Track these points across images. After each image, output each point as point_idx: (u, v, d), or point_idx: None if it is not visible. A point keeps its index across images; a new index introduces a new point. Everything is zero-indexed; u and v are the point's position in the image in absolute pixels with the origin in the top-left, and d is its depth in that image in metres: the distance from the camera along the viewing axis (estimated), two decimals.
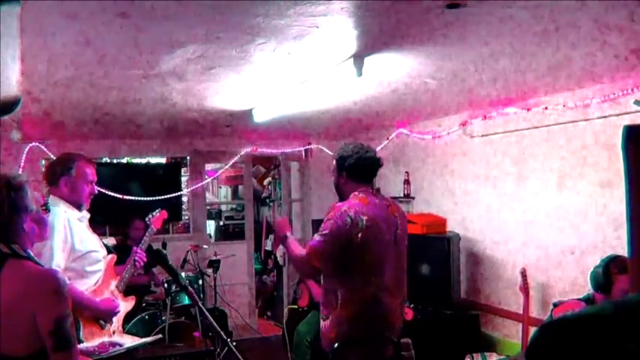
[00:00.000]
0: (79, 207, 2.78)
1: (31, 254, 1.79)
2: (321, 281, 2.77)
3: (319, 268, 2.64)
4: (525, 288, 3.66)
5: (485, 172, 4.41)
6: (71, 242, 2.65)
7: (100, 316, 2.71)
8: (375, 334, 2.62)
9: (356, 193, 2.65)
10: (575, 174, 3.62)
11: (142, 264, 3.07)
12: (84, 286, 2.69)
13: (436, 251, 4.40)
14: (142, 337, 3.02)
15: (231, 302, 5.87)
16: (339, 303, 2.59)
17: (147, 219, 3.36)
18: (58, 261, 2.56)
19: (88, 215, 2.86)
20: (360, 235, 2.51)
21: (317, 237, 2.58)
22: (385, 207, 2.68)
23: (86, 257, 2.72)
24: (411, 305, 4.19)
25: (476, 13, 2.02)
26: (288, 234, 2.80)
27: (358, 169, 2.67)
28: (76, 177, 2.75)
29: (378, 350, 2.65)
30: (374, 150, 2.76)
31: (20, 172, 4.93)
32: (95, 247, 2.81)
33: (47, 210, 1.86)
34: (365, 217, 2.54)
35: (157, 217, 3.36)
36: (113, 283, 2.90)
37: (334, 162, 2.77)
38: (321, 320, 2.71)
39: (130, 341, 2.48)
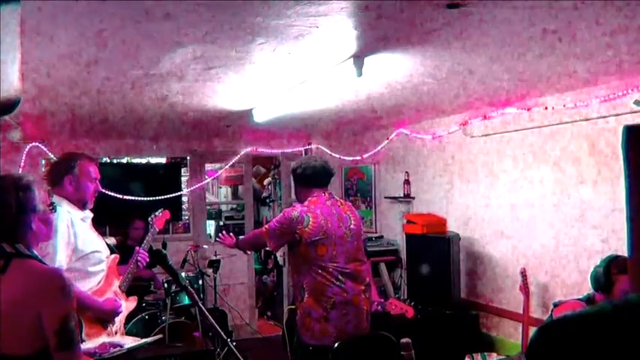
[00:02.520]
0: (83, 206, 2.78)
1: (36, 254, 1.80)
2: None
3: (265, 245, 3.16)
4: (525, 288, 3.66)
5: (485, 172, 4.41)
6: (74, 243, 2.65)
7: (103, 317, 2.70)
8: (347, 319, 2.94)
9: (310, 198, 3.07)
10: (575, 174, 3.62)
11: (145, 264, 3.07)
12: (87, 286, 2.69)
13: (436, 251, 4.41)
14: (142, 337, 3.02)
15: (231, 302, 5.87)
16: (306, 294, 2.95)
17: (149, 219, 3.35)
18: (60, 261, 2.56)
19: (91, 215, 2.86)
20: (307, 229, 2.92)
21: (268, 224, 3.15)
22: (337, 206, 3.10)
23: (89, 257, 2.72)
24: (412, 303, 4.19)
25: (476, 13, 2.02)
26: (234, 241, 3.42)
27: (306, 176, 3.11)
28: (80, 175, 2.75)
29: (379, 350, 2.69)
30: (324, 160, 3.24)
31: (20, 171, 4.93)
32: (98, 247, 2.81)
33: (54, 210, 1.86)
34: (311, 215, 2.96)
35: (160, 217, 3.35)
36: (116, 283, 2.90)
37: (291, 176, 3.30)
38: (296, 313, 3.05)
39: (130, 342, 2.48)
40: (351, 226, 3.07)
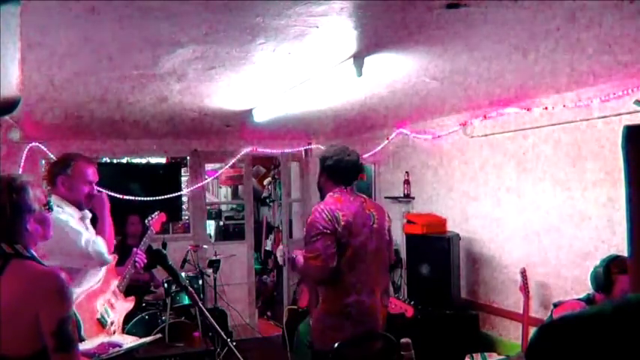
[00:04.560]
0: (79, 206, 2.78)
1: (35, 254, 1.79)
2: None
3: (326, 266, 2.67)
4: (525, 288, 3.66)
5: (485, 172, 4.41)
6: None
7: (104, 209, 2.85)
8: (360, 329, 2.73)
9: (331, 193, 2.82)
10: (575, 174, 3.62)
11: (142, 265, 3.08)
12: (85, 286, 2.69)
13: (436, 251, 4.40)
14: (141, 337, 3.02)
15: (231, 302, 5.87)
16: (320, 300, 2.75)
17: (146, 221, 3.37)
18: (87, 235, 2.61)
19: (89, 215, 2.86)
20: (339, 229, 2.67)
21: (307, 245, 2.71)
22: (360, 204, 2.82)
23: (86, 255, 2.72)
24: (412, 302, 4.20)
25: (476, 13, 2.02)
26: (295, 255, 2.93)
27: (337, 171, 2.84)
28: (73, 177, 2.72)
29: (379, 350, 2.68)
30: (356, 153, 2.89)
31: (20, 172, 4.93)
32: None
33: (50, 209, 1.86)
34: (341, 213, 2.70)
35: (156, 219, 3.37)
36: (114, 283, 2.90)
37: (318, 161, 2.96)
38: (309, 318, 2.88)
39: (129, 341, 2.48)
40: (374, 225, 2.83)
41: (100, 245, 2.64)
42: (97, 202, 2.84)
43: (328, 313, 2.74)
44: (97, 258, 2.60)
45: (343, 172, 2.84)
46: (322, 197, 2.91)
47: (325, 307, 2.75)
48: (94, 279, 2.76)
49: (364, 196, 2.96)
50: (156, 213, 3.41)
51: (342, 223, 2.68)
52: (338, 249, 2.66)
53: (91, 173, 2.80)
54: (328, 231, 2.65)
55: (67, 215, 2.63)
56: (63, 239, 2.44)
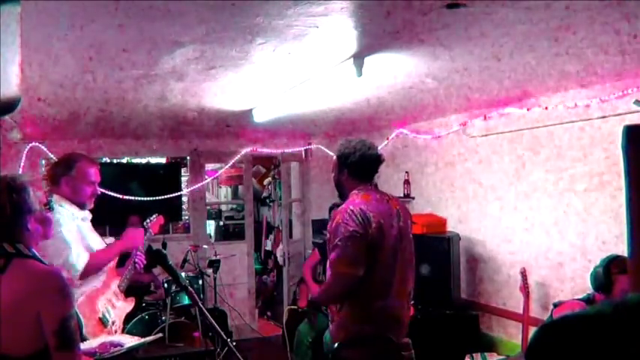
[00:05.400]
0: (81, 206, 2.79)
1: (36, 254, 1.80)
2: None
3: (356, 275, 2.45)
4: (525, 288, 3.66)
5: (485, 172, 4.40)
6: (84, 241, 2.68)
7: (129, 249, 2.88)
8: (380, 334, 2.55)
9: (355, 191, 2.59)
10: (575, 174, 3.62)
11: (142, 266, 3.08)
12: (88, 287, 2.70)
13: (436, 251, 4.40)
14: (142, 337, 3.02)
15: (231, 302, 5.87)
16: (345, 305, 2.54)
17: (144, 223, 3.38)
18: (77, 249, 2.57)
19: (90, 215, 2.87)
20: (371, 232, 2.45)
21: (334, 250, 2.47)
22: (386, 202, 2.61)
23: None
24: (412, 302, 4.19)
25: (476, 13, 2.02)
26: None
27: (361, 167, 2.60)
28: (77, 177, 2.75)
29: (379, 350, 2.65)
30: (375, 146, 2.69)
31: (20, 172, 4.93)
32: (98, 248, 2.82)
33: (50, 209, 1.86)
34: (372, 214, 2.47)
35: (155, 222, 3.38)
36: (115, 284, 2.91)
37: (335, 159, 2.69)
38: (330, 323, 2.68)
39: (130, 341, 2.48)
40: (401, 224, 2.60)
41: (80, 259, 2.60)
42: (132, 237, 2.92)
43: (353, 320, 2.53)
44: (66, 267, 2.54)
45: (367, 167, 2.62)
46: (342, 197, 2.70)
47: (349, 313, 2.53)
48: (96, 279, 2.77)
49: (387, 193, 2.74)
50: (154, 215, 3.42)
51: (374, 225, 2.45)
52: (368, 253, 2.45)
53: (94, 173, 2.82)
54: (359, 234, 2.42)
55: (65, 219, 2.62)
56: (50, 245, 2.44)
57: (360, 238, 2.43)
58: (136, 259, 3.02)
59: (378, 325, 2.53)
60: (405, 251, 2.62)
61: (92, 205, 2.85)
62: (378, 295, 2.51)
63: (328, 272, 2.54)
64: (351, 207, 2.49)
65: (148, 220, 3.39)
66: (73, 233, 2.66)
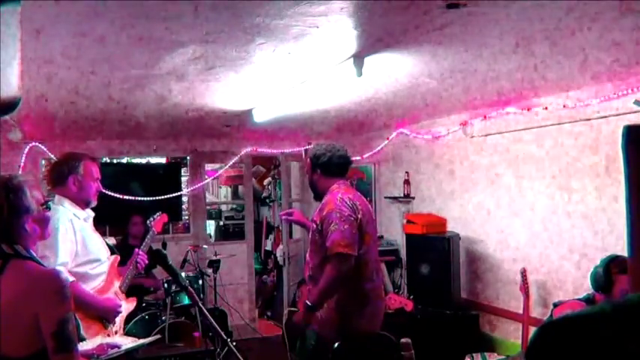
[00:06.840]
0: (86, 205, 2.80)
1: (34, 255, 1.79)
2: (310, 271, 2.87)
3: (353, 255, 2.67)
4: (525, 288, 3.65)
5: (485, 172, 4.41)
6: (78, 244, 2.66)
7: (103, 315, 2.70)
8: (375, 332, 2.77)
9: (336, 185, 2.86)
10: (575, 174, 3.62)
11: (144, 265, 3.08)
12: (89, 288, 2.69)
13: (436, 251, 4.41)
14: (142, 337, 3.02)
15: (231, 302, 5.87)
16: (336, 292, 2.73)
17: (148, 222, 3.38)
18: (63, 259, 2.56)
19: (92, 214, 2.87)
20: (360, 218, 2.73)
21: (332, 234, 2.66)
22: (360, 196, 2.91)
23: (91, 260, 2.73)
24: (411, 297, 4.20)
25: (476, 13, 2.02)
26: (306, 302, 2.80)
27: (332, 165, 2.91)
28: (84, 175, 2.78)
29: (380, 350, 2.68)
30: (345, 149, 3.00)
31: (20, 172, 4.93)
32: (100, 248, 2.82)
33: (47, 208, 1.85)
34: (357, 202, 2.77)
35: (158, 220, 3.37)
36: (116, 284, 2.90)
37: (308, 161, 3.02)
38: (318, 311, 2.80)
39: (129, 342, 2.47)
40: (373, 216, 3.00)
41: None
42: (111, 306, 2.76)
43: (350, 298, 2.74)
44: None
45: (338, 165, 2.94)
46: (317, 195, 2.99)
47: (346, 291, 2.73)
48: (98, 280, 2.76)
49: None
50: (157, 214, 3.41)
51: (360, 212, 2.74)
52: (359, 236, 2.73)
53: (96, 171, 2.86)
54: (353, 218, 2.70)
55: (62, 220, 2.62)
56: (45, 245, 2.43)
57: (354, 221, 2.71)
58: (138, 259, 3.01)
59: (371, 304, 2.78)
60: (375, 244, 2.97)
61: (96, 202, 2.86)
62: (368, 277, 2.80)
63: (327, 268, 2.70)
64: (340, 195, 2.76)
65: (152, 219, 3.38)
66: (70, 235, 2.65)
